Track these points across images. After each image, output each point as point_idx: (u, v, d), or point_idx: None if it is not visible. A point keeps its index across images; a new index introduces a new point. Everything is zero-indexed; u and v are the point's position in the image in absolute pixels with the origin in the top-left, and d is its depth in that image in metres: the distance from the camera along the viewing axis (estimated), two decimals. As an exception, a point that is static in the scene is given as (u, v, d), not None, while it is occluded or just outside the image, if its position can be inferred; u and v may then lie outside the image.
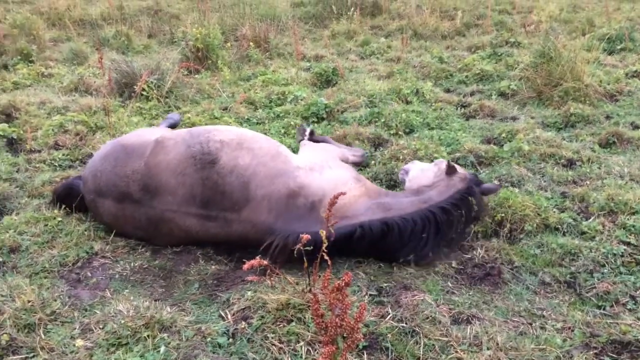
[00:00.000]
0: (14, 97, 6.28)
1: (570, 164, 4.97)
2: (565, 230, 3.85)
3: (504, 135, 5.65)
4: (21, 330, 2.80)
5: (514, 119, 6.34)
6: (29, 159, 5.08)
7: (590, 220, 3.95)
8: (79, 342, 2.71)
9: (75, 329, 2.85)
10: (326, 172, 3.80)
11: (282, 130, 5.86)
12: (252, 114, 6.41)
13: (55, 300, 3.08)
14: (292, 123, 5.98)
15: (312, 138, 4.90)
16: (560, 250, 3.60)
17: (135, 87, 6.35)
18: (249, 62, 8.93)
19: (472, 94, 7.38)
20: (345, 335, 1.55)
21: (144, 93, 6.49)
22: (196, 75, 7.94)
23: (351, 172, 3.97)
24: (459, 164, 5.01)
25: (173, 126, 5.39)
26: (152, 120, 6.02)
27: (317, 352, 2.62)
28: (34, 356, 2.62)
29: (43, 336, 2.75)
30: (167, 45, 10.41)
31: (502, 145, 5.37)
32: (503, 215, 3.93)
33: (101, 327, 2.84)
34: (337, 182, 3.71)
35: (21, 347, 2.68)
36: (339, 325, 1.52)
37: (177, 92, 6.77)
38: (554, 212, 4.03)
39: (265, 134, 5.69)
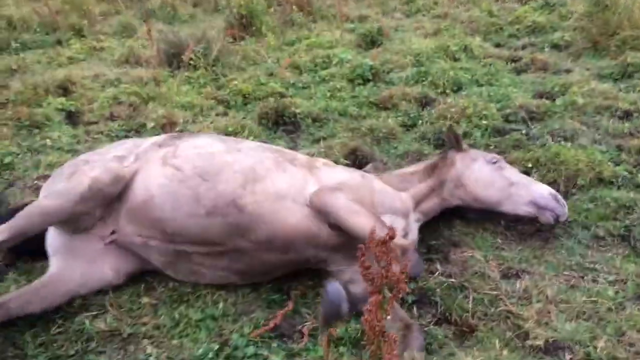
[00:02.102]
0: (70, 71, 6.51)
1: (626, 115, 4.79)
2: (620, 184, 3.76)
3: (557, 88, 5.48)
4: (92, 290, 3.02)
5: (567, 71, 6.12)
6: (88, 131, 5.31)
7: (647, 172, 3.83)
8: (145, 299, 2.90)
9: (141, 287, 3.03)
10: None
11: (328, 94, 5.86)
12: (297, 79, 6.43)
13: (121, 262, 3.28)
14: (337, 86, 5.96)
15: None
16: (615, 203, 3.52)
17: (183, 57, 6.47)
18: (292, 27, 8.90)
19: (523, 47, 7.15)
20: (391, 286, 1.64)
21: (192, 62, 6.60)
22: (241, 42, 7.99)
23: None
24: (509, 120, 4.91)
25: None
26: (200, 89, 6.12)
27: None
28: (104, 312, 2.83)
29: (112, 295, 2.95)
30: (212, 13, 10.49)
31: (555, 99, 5.22)
32: (554, 176, 3.83)
33: (164, 285, 3.02)
34: None
35: (92, 304, 2.88)
36: (385, 276, 1.61)
37: (223, 60, 6.84)
38: (609, 165, 3.91)
39: (311, 98, 5.74)
